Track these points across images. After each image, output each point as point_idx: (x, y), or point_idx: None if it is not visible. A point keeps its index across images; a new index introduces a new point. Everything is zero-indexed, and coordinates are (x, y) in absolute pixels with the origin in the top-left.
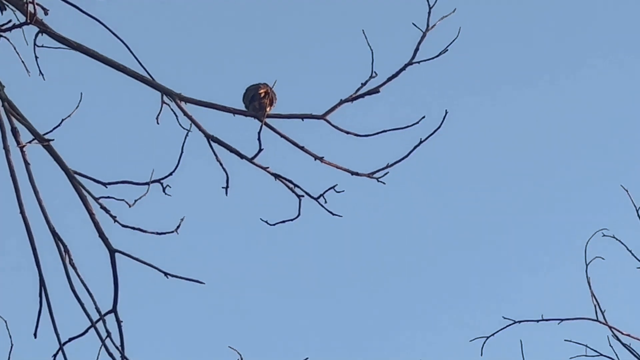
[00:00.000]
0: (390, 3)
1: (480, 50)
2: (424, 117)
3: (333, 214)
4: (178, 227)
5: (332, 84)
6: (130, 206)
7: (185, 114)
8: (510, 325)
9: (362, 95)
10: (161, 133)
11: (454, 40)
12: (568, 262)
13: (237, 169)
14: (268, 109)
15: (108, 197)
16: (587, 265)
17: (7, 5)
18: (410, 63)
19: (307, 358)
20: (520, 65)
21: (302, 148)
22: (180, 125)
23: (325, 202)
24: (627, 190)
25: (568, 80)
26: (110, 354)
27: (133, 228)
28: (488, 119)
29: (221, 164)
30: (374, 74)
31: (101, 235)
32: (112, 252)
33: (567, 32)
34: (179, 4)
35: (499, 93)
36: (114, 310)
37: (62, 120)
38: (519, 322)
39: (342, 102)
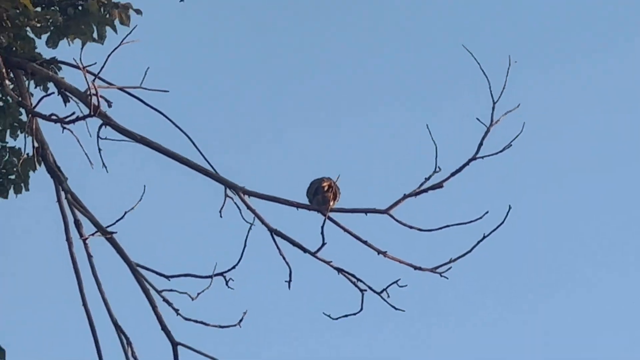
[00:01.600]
0: (454, 98)
1: (545, 146)
2: (487, 212)
3: (396, 309)
4: (241, 320)
5: (395, 178)
6: (192, 299)
7: (248, 207)
8: None
9: (425, 190)
10: (224, 226)
11: (518, 136)
12: None
13: (300, 263)
14: (331, 203)
15: (171, 290)
16: None
17: (71, 97)
18: (474, 158)
19: None
20: (587, 162)
21: (365, 242)
22: (243, 218)
23: (388, 296)
24: None
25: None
26: None
27: (195, 321)
28: (552, 214)
29: (284, 258)
30: (437, 169)
31: (163, 327)
32: (175, 344)
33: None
34: (240, 97)
35: (563, 188)
36: None
37: (125, 212)
38: None
39: (405, 196)
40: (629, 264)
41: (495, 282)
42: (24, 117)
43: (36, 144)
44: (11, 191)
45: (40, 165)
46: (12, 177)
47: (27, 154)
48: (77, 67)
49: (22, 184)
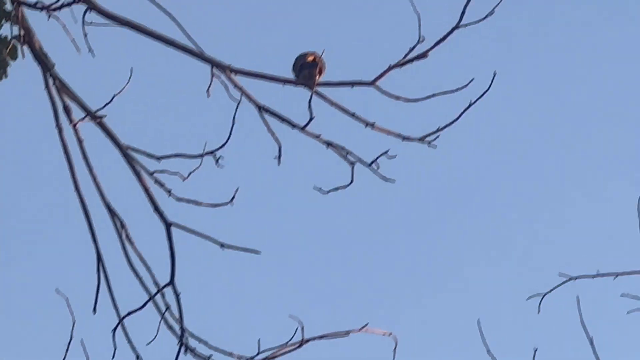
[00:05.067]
0: None
1: (528, 10)
2: (472, 79)
3: (386, 180)
4: (232, 198)
5: (380, 50)
6: (184, 179)
7: (235, 85)
8: (566, 281)
9: (410, 60)
10: (212, 105)
11: (500, 2)
12: (622, 214)
13: (288, 139)
14: (317, 77)
15: (162, 171)
16: None
17: None
18: (457, 26)
19: None
20: (570, 27)
21: (352, 115)
22: (230, 96)
23: (378, 167)
24: None
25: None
26: (170, 327)
27: (188, 201)
28: (537, 78)
29: (273, 134)
30: (421, 39)
31: (156, 209)
32: (168, 225)
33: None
34: None
35: (547, 50)
36: (171, 282)
37: (114, 96)
38: (575, 278)
39: (390, 67)
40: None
41: (482, 148)
42: (8, 6)
43: (22, 32)
44: None
45: (24, 53)
46: None
47: (13, 42)
48: None
49: (2, 71)
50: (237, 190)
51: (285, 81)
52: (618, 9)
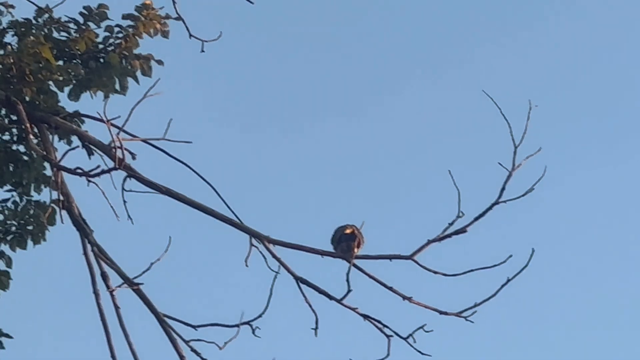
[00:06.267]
0: (476, 143)
1: (566, 188)
2: (510, 255)
3: (422, 354)
4: None
5: (419, 224)
6: (220, 348)
7: (273, 256)
8: None
9: (449, 235)
10: (250, 275)
11: (540, 179)
12: None
13: (326, 310)
14: (356, 250)
15: (198, 340)
16: None
17: (95, 150)
18: (496, 202)
19: None
20: (610, 203)
21: (390, 288)
22: (268, 267)
23: (414, 341)
24: None
25: None
26: None
27: None
28: (575, 256)
29: (310, 305)
30: (460, 214)
31: None
32: None
33: None
34: (266, 146)
35: (586, 231)
36: None
37: (152, 264)
38: None
39: (429, 242)
40: None
41: (520, 324)
42: (48, 171)
43: (61, 197)
44: (30, 242)
45: (62, 219)
46: (30, 227)
47: (52, 208)
48: (101, 120)
49: (41, 235)
50: None
51: (323, 253)
52: None
